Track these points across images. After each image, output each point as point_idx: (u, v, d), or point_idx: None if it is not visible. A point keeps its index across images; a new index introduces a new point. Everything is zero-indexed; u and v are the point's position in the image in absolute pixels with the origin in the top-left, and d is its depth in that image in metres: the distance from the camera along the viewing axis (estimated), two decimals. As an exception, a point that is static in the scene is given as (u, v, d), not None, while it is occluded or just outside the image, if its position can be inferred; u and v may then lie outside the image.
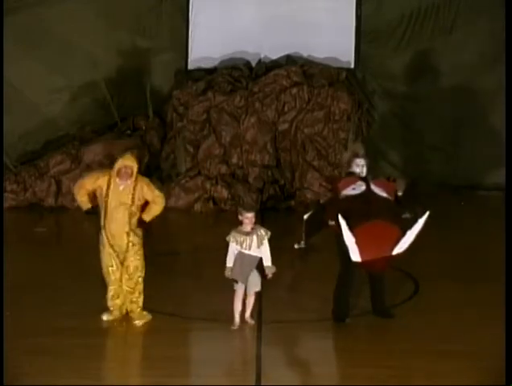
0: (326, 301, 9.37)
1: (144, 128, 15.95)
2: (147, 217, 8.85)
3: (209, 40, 16.58)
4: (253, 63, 16.52)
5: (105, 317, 8.92)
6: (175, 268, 11.39)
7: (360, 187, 8.77)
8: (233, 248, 8.66)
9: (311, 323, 9.05)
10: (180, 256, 12.15)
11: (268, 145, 15.52)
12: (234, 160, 15.56)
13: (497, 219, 12.82)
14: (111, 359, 7.93)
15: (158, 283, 9.80)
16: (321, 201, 9.20)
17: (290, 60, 16.43)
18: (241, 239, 8.61)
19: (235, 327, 8.68)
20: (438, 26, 16.89)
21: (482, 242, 12.65)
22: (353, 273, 8.80)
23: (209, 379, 7.65)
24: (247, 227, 8.65)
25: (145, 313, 8.94)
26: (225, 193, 15.16)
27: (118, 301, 8.92)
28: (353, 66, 16.78)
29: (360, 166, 8.96)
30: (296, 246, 9.47)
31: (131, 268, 8.83)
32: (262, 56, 16.55)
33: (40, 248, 12.38)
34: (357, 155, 9.02)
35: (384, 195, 8.80)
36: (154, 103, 16.16)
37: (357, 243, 8.19)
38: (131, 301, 8.94)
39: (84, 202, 8.85)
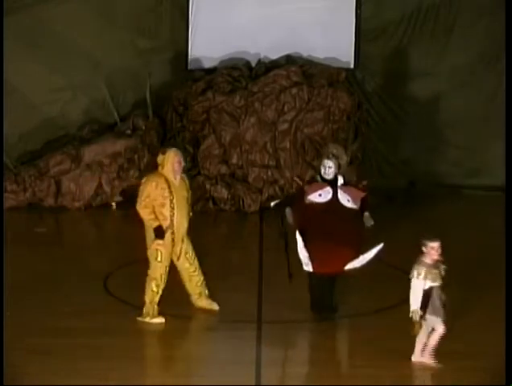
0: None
1: (144, 128, 15.94)
2: (189, 211, 9.16)
3: (209, 40, 16.59)
4: (253, 63, 16.51)
5: (156, 320, 8.95)
6: (175, 268, 11.37)
7: (326, 195, 8.82)
8: (423, 285, 7.85)
9: (311, 323, 9.06)
10: (180, 256, 12.14)
11: (268, 145, 15.52)
12: (234, 160, 15.55)
13: (497, 219, 12.82)
14: (111, 359, 7.92)
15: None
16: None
17: (290, 60, 16.43)
18: (434, 272, 7.84)
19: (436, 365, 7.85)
20: (438, 27, 16.89)
21: (482, 242, 12.65)
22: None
23: (209, 379, 7.66)
24: (434, 258, 7.85)
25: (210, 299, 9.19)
26: (224, 193, 15.15)
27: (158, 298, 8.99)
28: (352, 66, 16.78)
29: (326, 168, 8.99)
30: (272, 204, 9.55)
31: (190, 253, 9.06)
32: (262, 56, 16.55)
33: (40, 248, 12.37)
34: (326, 156, 9.05)
35: (349, 205, 8.84)
36: (154, 103, 16.15)
37: (311, 258, 8.36)
38: (197, 284, 9.12)
39: (153, 219, 8.79)
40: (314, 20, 16.48)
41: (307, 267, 8.51)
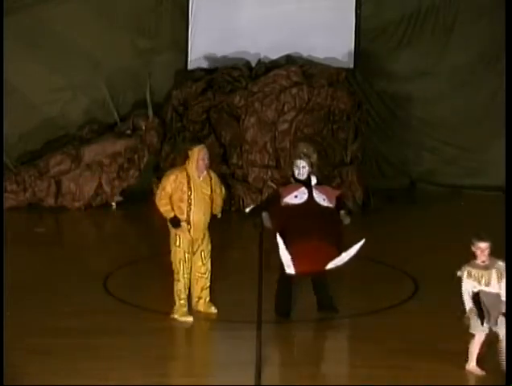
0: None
1: (144, 128, 15.94)
2: (218, 212, 9.17)
3: (209, 40, 16.59)
4: (253, 63, 16.52)
5: (180, 316, 8.99)
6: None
7: (302, 196, 8.80)
8: (469, 286, 7.54)
9: (311, 323, 9.05)
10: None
11: (268, 145, 15.52)
12: (234, 160, 15.55)
13: (497, 219, 12.81)
14: (111, 359, 7.92)
15: (158, 283, 9.81)
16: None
17: (290, 60, 16.43)
18: (479, 274, 7.56)
19: (480, 373, 7.61)
20: (438, 27, 16.89)
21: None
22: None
23: (209, 379, 7.67)
24: (481, 259, 7.61)
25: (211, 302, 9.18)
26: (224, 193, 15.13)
27: (186, 294, 9.01)
28: (352, 66, 16.78)
29: (300, 168, 8.97)
30: (247, 209, 9.58)
31: (205, 252, 9.07)
32: (262, 56, 16.55)
33: (40, 248, 12.38)
34: (298, 156, 9.04)
35: (325, 204, 8.82)
36: (154, 103, 16.15)
37: (293, 259, 8.35)
38: (202, 289, 9.11)
39: (168, 211, 8.86)
40: (314, 20, 16.48)
41: (289, 269, 8.47)
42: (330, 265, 8.51)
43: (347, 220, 8.88)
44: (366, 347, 8.26)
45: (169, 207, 8.84)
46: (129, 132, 15.97)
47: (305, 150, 9.05)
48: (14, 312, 9.02)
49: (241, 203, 15.11)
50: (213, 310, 9.13)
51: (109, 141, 15.69)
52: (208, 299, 9.15)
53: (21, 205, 15.19)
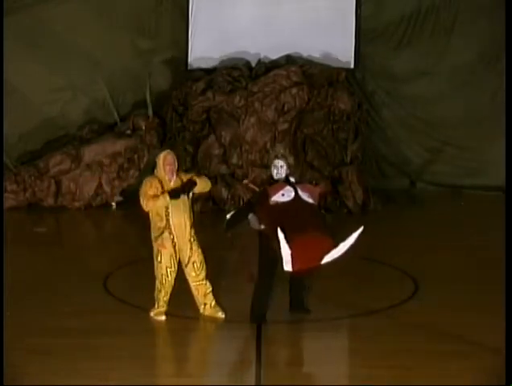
0: (325, 301, 9.42)
1: (144, 128, 15.95)
2: (203, 187, 9.06)
3: (209, 40, 16.60)
4: (253, 63, 16.53)
5: (155, 314, 9.03)
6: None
7: (289, 194, 8.81)
8: None
9: (311, 323, 9.05)
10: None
11: (268, 145, 15.52)
12: (234, 160, 15.55)
13: (497, 219, 12.82)
14: (111, 359, 7.92)
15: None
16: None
17: (290, 60, 16.44)
18: None
19: None
20: (438, 27, 16.90)
21: (482, 242, 12.65)
22: (273, 275, 8.87)
23: (209, 379, 7.66)
24: None
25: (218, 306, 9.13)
26: (224, 193, 15.16)
27: (167, 299, 9.01)
28: (352, 66, 16.78)
29: (278, 168, 8.99)
30: (228, 215, 9.54)
31: (198, 263, 8.99)
32: (262, 56, 16.56)
33: (40, 248, 12.38)
34: (276, 156, 9.07)
35: (310, 200, 8.84)
36: (154, 103, 16.16)
37: (292, 254, 8.33)
38: (205, 294, 9.07)
39: (160, 199, 8.79)
40: (314, 20, 16.49)
41: (287, 266, 8.44)
42: (327, 258, 8.48)
43: (328, 218, 8.93)
44: (366, 347, 8.26)
45: (159, 197, 8.79)
46: (129, 132, 15.98)
47: (282, 151, 9.14)
48: (14, 312, 9.02)
49: (241, 203, 15.12)
50: (221, 314, 9.08)
51: (109, 141, 15.70)
52: (213, 304, 9.10)
53: (21, 205, 15.20)
